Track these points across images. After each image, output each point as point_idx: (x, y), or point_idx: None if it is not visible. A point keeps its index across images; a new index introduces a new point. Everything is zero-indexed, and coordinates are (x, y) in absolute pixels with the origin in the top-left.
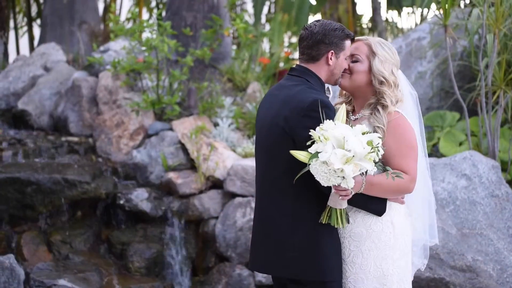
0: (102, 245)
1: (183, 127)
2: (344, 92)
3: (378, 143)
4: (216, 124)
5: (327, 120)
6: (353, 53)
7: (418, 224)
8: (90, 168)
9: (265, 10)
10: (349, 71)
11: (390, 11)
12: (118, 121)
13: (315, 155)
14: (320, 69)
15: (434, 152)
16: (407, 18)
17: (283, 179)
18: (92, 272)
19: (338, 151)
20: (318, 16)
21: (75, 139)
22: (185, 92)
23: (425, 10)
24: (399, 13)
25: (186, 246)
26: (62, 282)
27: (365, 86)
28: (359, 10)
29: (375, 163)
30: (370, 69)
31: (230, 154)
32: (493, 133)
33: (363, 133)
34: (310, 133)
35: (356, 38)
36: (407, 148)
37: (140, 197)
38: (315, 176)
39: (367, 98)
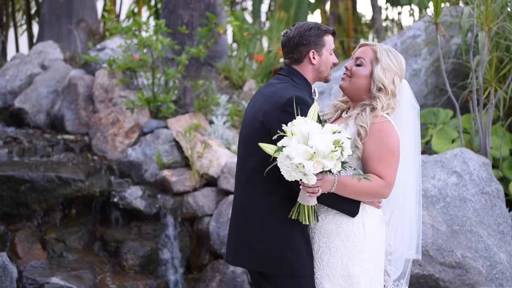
0: (97, 243)
1: (179, 125)
2: None
3: (343, 143)
4: (211, 122)
5: (299, 116)
6: (357, 56)
7: (398, 234)
8: (84, 166)
9: (265, 8)
10: (350, 74)
11: (390, 9)
12: (114, 119)
13: (280, 148)
14: (305, 70)
15: (427, 149)
16: (407, 16)
17: (257, 173)
18: (85, 270)
19: (300, 146)
20: (317, 14)
21: (71, 137)
22: (180, 90)
23: (422, 8)
24: (398, 11)
25: (180, 244)
26: (54, 280)
27: (363, 90)
28: (359, 8)
29: (343, 163)
30: (371, 75)
31: (224, 151)
32: (484, 130)
33: (334, 132)
34: (282, 127)
35: (364, 43)
36: (386, 153)
37: (134, 195)
38: (280, 170)
39: (364, 101)
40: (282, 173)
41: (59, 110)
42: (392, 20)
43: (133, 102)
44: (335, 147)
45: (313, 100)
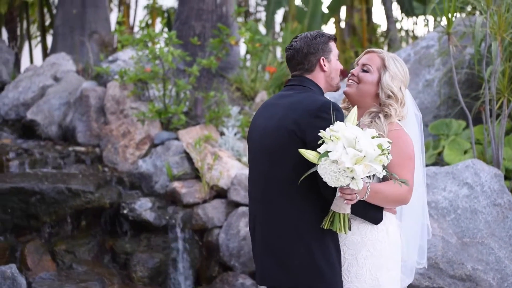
0: (106, 255)
1: (189, 136)
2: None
3: (389, 147)
4: (222, 133)
5: (338, 122)
6: (364, 63)
7: (411, 243)
8: (94, 177)
9: (279, 19)
10: (357, 80)
11: (405, 19)
12: (125, 131)
13: (325, 154)
14: (317, 78)
15: (439, 161)
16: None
17: (287, 183)
18: (94, 282)
19: (350, 150)
20: (331, 25)
21: (82, 149)
22: (192, 102)
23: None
24: (413, 21)
25: (190, 256)
26: None
27: (370, 97)
28: (374, 19)
29: (383, 167)
30: (378, 82)
31: (234, 163)
32: (497, 141)
33: (373, 137)
34: (319, 133)
35: (370, 49)
36: (406, 159)
37: (144, 207)
38: (323, 177)
39: (368, 108)
40: (325, 179)
41: (71, 121)
42: (407, 30)
43: (143, 113)
44: (381, 151)
45: None
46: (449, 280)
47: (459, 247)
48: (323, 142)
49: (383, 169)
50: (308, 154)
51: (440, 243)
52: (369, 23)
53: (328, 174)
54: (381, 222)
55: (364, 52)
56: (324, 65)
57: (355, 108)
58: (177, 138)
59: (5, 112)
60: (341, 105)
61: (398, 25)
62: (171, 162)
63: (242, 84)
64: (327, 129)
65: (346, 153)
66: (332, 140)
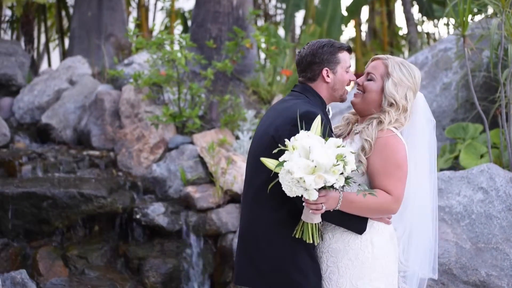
0: (119, 260)
1: (204, 140)
2: None
3: (346, 157)
4: (237, 137)
5: (302, 131)
6: (368, 71)
7: (411, 252)
8: (107, 182)
9: (299, 22)
10: (363, 89)
11: (425, 22)
12: (139, 135)
13: (281, 163)
14: (319, 88)
15: (456, 165)
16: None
17: (264, 189)
18: (106, 287)
19: (300, 161)
20: (351, 28)
21: (97, 153)
22: (207, 105)
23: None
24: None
25: (204, 261)
26: None
27: (375, 105)
28: (396, 21)
29: (347, 178)
30: (382, 89)
31: None
32: None
33: (338, 146)
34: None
35: (376, 56)
36: (393, 168)
37: (157, 212)
38: (282, 186)
39: (372, 114)
40: (283, 188)
41: (85, 125)
42: (427, 33)
43: (157, 117)
44: (337, 161)
45: (328, 118)
46: (462, 286)
47: (473, 252)
48: (282, 150)
49: (348, 179)
50: (268, 162)
51: (453, 249)
52: (390, 26)
53: (284, 183)
54: (366, 232)
55: (371, 59)
56: (328, 76)
57: (319, 117)
58: (191, 142)
59: (20, 115)
60: (352, 111)
61: (419, 28)
62: (185, 167)
63: (258, 87)
64: (292, 138)
65: (297, 163)
66: (292, 149)
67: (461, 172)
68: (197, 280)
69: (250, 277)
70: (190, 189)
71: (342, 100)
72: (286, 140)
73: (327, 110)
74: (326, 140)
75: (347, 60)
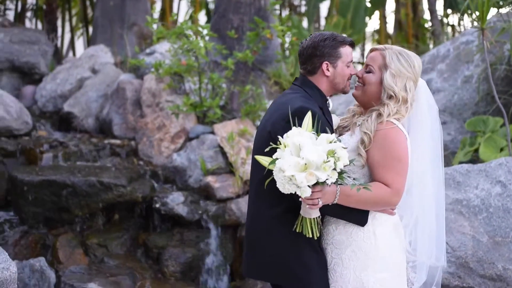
0: (139, 249)
1: (224, 130)
2: None
3: (336, 153)
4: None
5: (294, 127)
6: (367, 63)
7: (418, 241)
8: (128, 171)
9: (324, 13)
10: (362, 82)
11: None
12: (160, 124)
13: (274, 161)
14: (319, 81)
15: (476, 157)
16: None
17: (263, 185)
18: (124, 276)
19: (290, 158)
20: (376, 19)
21: (118, 141)
22: (228, 95)
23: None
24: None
25: (223, 251)
26: (92, 286)
27: (375, 97)
28: (421, 13)
29: (340, 173)
30: (381, 81)
31: None
32: None
33: (330, 142)
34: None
35: (373, 47)
36: (392, 160)
37: (176, 201)
38: (276, 183)
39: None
40: (277, 186)
41: (107, 114)
42: (452, 25)
43: (177, 106)
44: (328, 158)
45: (328, 110)
46: (479, 279)
47: (490, 246)
48: (274, 148)
49: (341, 174)
50: (262, 160)
51: (470, 242)
52: (415, 18)
53: (278, 181)
54: (368, 223)
55: (369, 50)
56: (327, 70)
57: (309, 113)
58: (212, 132)
59: (42, 104)
60: (352, 106)
61: (444, 20)
62: (205, 156)
63: (280, 78)
64: (285, 135)
65: (287, 161)
66: (284, 147)
67: (479, 165)
68: (216, 270)
69: (256, 270)
70: (210, 178)
71: (344, 92)
72: (279, 137)
73: (327, 103)
74: (318, 135)
75: (349, 55)
